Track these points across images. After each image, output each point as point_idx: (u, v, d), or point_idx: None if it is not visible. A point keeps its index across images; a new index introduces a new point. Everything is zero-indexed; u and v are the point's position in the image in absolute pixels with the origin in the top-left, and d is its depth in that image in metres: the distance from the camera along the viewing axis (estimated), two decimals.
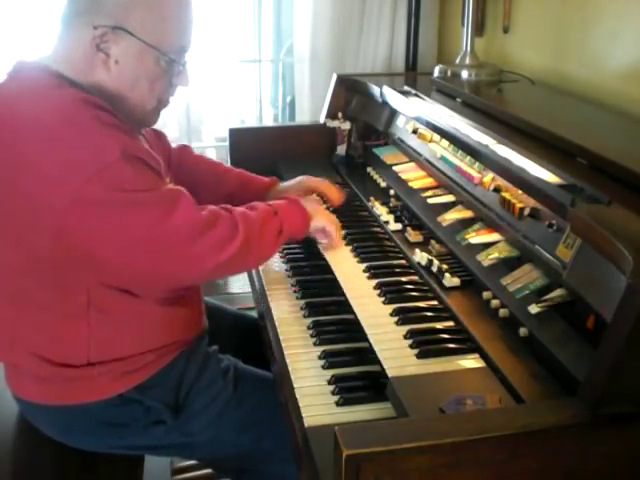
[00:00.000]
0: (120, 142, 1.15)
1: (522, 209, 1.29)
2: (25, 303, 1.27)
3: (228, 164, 2.18)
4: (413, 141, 1.86)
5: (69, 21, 1.22)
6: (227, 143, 2.18)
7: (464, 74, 2.01)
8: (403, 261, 1.52)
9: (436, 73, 2.07)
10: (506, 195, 1.35)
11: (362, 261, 1.52)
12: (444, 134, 1.63)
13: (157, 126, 1.51)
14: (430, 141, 1.74)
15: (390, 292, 1.37)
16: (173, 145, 1.71)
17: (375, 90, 2.02)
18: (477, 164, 1.52)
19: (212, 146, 3.30)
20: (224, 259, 1.24)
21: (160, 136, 1.64)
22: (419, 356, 1.17)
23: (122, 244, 1.17)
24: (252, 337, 1.62)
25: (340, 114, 2.20)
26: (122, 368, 1.30)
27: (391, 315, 1.30)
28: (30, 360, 1.29)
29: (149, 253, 1.19)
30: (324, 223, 1.51)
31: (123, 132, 1.18)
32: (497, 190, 1.40)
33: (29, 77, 1.22)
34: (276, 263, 1.65)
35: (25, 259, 1.22)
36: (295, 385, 1.19)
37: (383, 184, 1.91)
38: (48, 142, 1.14)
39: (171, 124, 2.97)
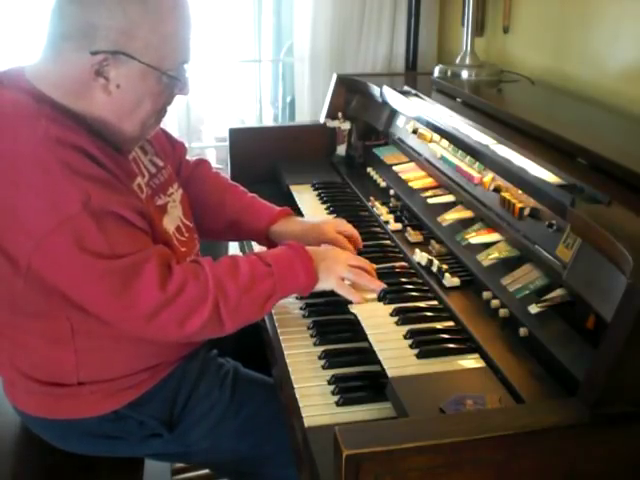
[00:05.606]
0: (83, 193, 1.09)
1: (522, 209, 1.29)
2: (14, 328, 1.27)
3: (228, 165, 2.18)
4: (413, 141, 1.86)
5: (57, 44, 1.16)
6: (227, 143, 2.18)
7: (464, 74, 2.01)
8: (403, 261, 1.52)
9: (436, 73, 2.07)
10: (506, 195, 1.35)
11: None
12: (444, 134, 1.63)
13: None
14: (430, 141, 1.74)
15: (390, 292, 1.37)
16: (192, 157, 1.66)
17: (375, 90, 2.02)
18: (477, 164, 1.52)
19: (212, 146, 3.30)
20: (189, 332, 1.19)
21: (175, 144, 1.59)
22: (419, 356, 1.17)
23: (84, 298, 1.15)
24: (252, 338, 1.62)
25: (340, 114, 2.19)
26: (114, 387, 1.29)
27: (391, 315, 1.30)
28: (21, 378, 1.29)
29: (111, 316, 1.17)
30: (333, 287, 1.33)
31: (93, 180, 1.12)
32: (497, 190, 1.39)
33: (8, 100, 1.17)
34: None
35: (6, 290, 1.20)
36: (295, 385, 1.19)
37: (383, 184, 1.91)
38: (15, 185, 1.10)
39: (171, 124, 2.96)
